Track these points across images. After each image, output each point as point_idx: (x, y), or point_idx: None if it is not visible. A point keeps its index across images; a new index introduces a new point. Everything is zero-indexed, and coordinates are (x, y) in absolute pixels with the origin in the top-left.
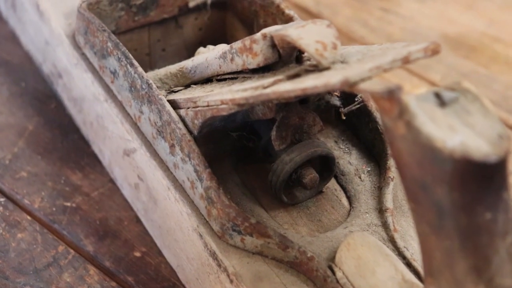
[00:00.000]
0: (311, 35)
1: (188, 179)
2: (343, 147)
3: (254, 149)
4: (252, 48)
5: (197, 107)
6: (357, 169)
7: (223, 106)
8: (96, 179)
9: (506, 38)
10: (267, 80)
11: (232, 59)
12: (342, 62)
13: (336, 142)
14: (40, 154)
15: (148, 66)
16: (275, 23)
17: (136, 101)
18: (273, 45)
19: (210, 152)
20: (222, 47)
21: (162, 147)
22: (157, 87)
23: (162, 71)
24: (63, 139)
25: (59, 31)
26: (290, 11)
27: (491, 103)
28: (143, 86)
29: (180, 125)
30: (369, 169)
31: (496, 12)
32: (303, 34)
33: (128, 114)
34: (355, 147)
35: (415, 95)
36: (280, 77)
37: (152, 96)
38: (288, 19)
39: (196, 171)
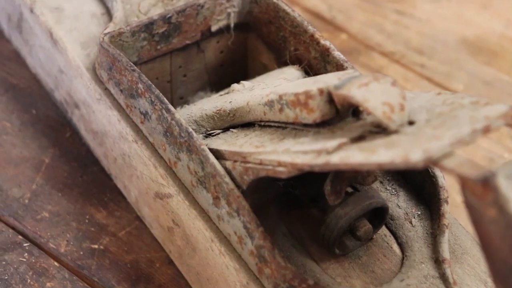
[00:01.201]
0: (376, 96)
1: (236, 233)
2: (390, 188)
3: (300, 195)
4: (308, 104)
5: (247, 162)
6: (406, 213)
7: (281, 169)
8: (122, 216)
9: None
10: (330, 143)
11: (281, 110)
12: (409, 122)
13: (381, 182)
14: (60, 190)
15: (169, 92)
16: (308, 53)
17: (172, 147)
18: (331, 101)
19: (255, 202)
20: (266, 93)
21: (204, 196)
22: (193, 129)
23: (196, 112)
24: (83, 172)
25: (77, 63)
26: (326, 42)
27: None
28: (182, 134)
29: (227, 179)
30: (419, 212)
31: None
32: (368, 95)
33: (162, 158)
34: (402, 188)
35: (504, 173)
36: (343, 140)
37: (193, 145)
38: (324, 50)
39: (245, 227)
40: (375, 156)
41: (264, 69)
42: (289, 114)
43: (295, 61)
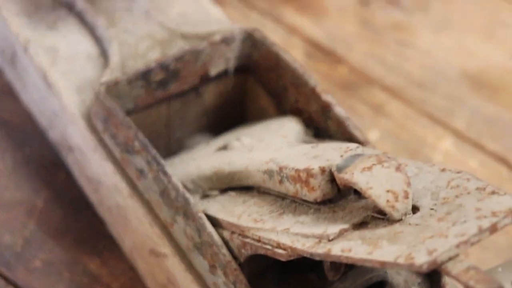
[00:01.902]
0: (380, 183)
1: None
2: None
3: (298, 262)
4: (309, 182)
5: (246, 237)
6: (406, 281)
7: (280, 251)
8: (116, 266)
9: None
10: (331, 228)
11: (281, 182)
12: (413, 208)
13: None
14: (53, 237)
15: (166, 136)
16: (309, 105)
17: (169, 208)
18: (333, 180)
19: (253, 269)
20: (265, 160)
21: (200, 262)
22: (189, 189)
23: (194, 171)
24: (76, 217)
25: (72, 110)
26: (327, 97)
27: None
28: (179, 199)
29: (224, 250)
30: (419, 280)
31: None
32: (371, 181)
33: (158, 217)
34: None
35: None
36: (345, 226)
37: (190, 212)
38: (325, 105)
39: None
40: (378, 252)
41: (263, 113)
42: (289, 188)
43: (296, 111)
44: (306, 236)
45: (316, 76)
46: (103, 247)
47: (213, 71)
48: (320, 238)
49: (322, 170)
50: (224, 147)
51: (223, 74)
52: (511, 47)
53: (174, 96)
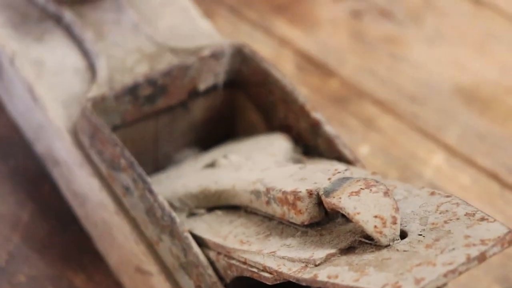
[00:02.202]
0: (368, 208)
1: None
2: None
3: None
4: (296, 205)
5: (232, 258)
6: None
7: (266, 274)
8: (101, 282)
9: None
10: (317, 253)
11: (268, 203)
12: (401, 233)
13: None
14: (38, 251)
15: (154, 151)
16: (298, 122)
17: (155, 227)
18: (320, 203)
19: None
20: (252, 180)
21: (186, 282)
22: (176, 207)
23: (180, 190)
24: (62, 232)
25: (58, 125)
26: (316, 115)
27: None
28: (165, 218)
29: (210, 271)
30: None
31: (507, 57)
32: (359, 206)
33: (143, 234)
34: None
35: None
36: (332, 250)
37: (176, 231)
38: (314, 123)
39: None
40: (365, 279)
41: (252, 128)
42: (277, 210)
43: (285, 127)
44: (292, 260)
45: (307, 89)
46: (89, 262)
47: (202, 86)
48: (306, 263)
49: (310, 193)
50: (212, 164)
51: (212, 89)
52: (503, 62)
53: (162, 111)
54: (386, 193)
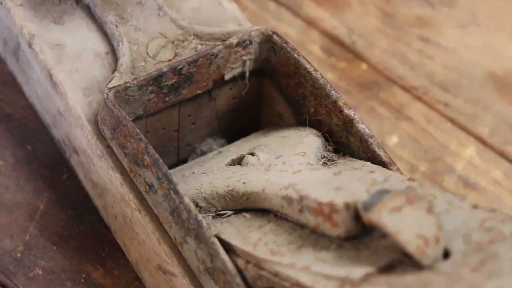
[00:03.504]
0: (410, 226)
1: None
2: None
3: None
4: (332, 218)
5: (262, 269)
6: None
7: None
8: (120, 276)
9: None
10: (355, 270)
11: (301, 211)
12: (444, 252)
13: None
14: (55, 243)
15: (176, 140)
16: (330, 118)
17: (179, 228)
18: (357, 216)
19: None
20: (284, 184)
21: (211, 286)
22: (201, 207)
23: (207, 189)
24: (80, 222)
25: (78, 113)
26: (349, 111)
27: None
28: (191, 221)
29: (238, 280)
30: None
31: None
32: (401, 225)
33: (167, 234)
34: None
35: None
36: (370, 269)
37: (202, 235)
38: (347, 120)
39: None
40: None
41: (279, 119)
42: (310, 219)
43: (315, 122)
44: (328, 277)
45: (334, 74)
46: (107, 255)
47: (228, 74)
48: (343, 281)
49: (347, 206)
50: (238, 160)
51: (238, 77)
52: None
53: (186, 100)
54: (429, 210)
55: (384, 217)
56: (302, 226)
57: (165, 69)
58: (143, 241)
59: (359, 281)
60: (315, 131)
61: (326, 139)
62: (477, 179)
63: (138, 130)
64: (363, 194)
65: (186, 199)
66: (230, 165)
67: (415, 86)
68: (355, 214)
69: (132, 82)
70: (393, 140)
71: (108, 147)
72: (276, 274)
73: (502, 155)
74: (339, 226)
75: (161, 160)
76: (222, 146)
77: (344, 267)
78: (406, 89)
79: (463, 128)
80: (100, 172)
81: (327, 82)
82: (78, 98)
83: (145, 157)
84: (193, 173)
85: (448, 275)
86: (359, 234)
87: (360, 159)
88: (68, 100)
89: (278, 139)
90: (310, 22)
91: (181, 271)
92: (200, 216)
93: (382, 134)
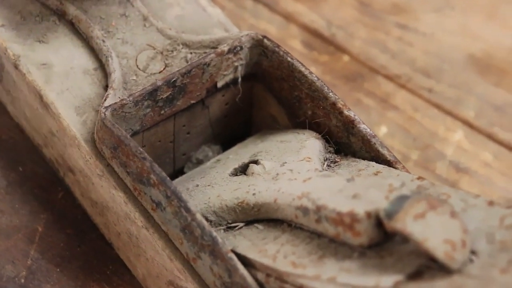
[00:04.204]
0: (436, 233)
1: None
2: None
3: None
4: (354, 227)
5: (284, 282)
6: None
7: None
8: None
9: None
10: (383, 280)
11: (318, 221)
12: (471, 253)
13: None
14: (58, 265)
15: (172, 151)
16: (329, 120)
17: (191, 244)
18: (379, 224)
19: None
20: (297, 194)
21: None
22: (211, 221)
23: (215, 202)
24: (80, 241)
25: (73, 133)
26: (350, 112)
27: None
28: (205, 238)
29: None
30: None
31: None
32: (427, 232)
33: (178, 250)
34: None
35: None
36: (399, 277)
37: (218, 252)
38: (347, 122)
39: None
40: None
41: (272, 121)
42: (329, 229)
43: (312, 124)
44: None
45: (317, 68)
46: (112, 273)
47: (221, 82)
48: None
49: (368, 215)
50: (241, 169)
51: (230, 83)
52: None
53: (180, 111)
54: (452, 214)
55: (409, 225)
56: (319, 235)
57: (159, 83)
58: (151, 257)
59: None
60: (314, 133)
61: (327, 141)
62: (468, 163)
63: (141, 149)
64: (383, 202)
65: (199, 216)
66: (233, 174)
67: (398, 74)
68: (377, 222)
69: (128, 99)
70: (382, 130)
71: (108, 166)
72: (301, 287)
73: (489, 136)
74: (361, 235)
75: (168, 178)
76: (217, 152)
77: (372, 277)
78: (389, 78)
79: (449, 113)
80: (100, 191)
81: (324, 84)
82: (71, 118)
83: (151, 175)
84: (197, 185)
85: (478, 278)
86: (381, 241)
87: (363, 159)
88: (61, 121)
89: (277, 144)
90: (288, 17)
91: (196, 286)
92: (214, 233)
93: (370, 125)
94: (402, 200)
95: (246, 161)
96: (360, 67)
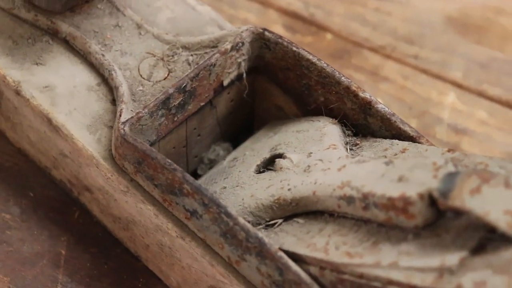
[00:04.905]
0: (495, 205)
1: None
2: None
3: None
4: (407, 210)
5: (343, 273)
6: None
7: None
8: None
9: (507, 8)
10: (448, 257)
11: (365, 208)
12: None
13: None
14: (88, 285)
15: (185, 155)
16: (343, 104)
17: (234, 247)
18: (432, 203)
19: None
20: (337, 184)
21: None
22: (249, 222)
23: (251, 203)
24: (106, 258)
25: (90, 153)
26: (365, 94)
27: None
28: (251, 240)
29: (316, 287)
30: None
31: None
32: (486, 205)
33: (218, 254)
34: None
35: None
36: (462, 253)
37: (267, 252)
38: (364, 103)
39: None
40: None
41: (279, 111)
42: (378, 215)
43: (325, 110)
44: (421, 270)
45: None
46: (144, 285)
47: (226, 80)
48: (440, 271)
49: (421, 197)
50: (263, 165)
51: (235, 80)
52: None
53: (191, 115)
54: (506, 184)
55: (467, 201)
56: (365, 221)
57: (171, 90)
58: (188, 265)
59: (457, 267)
60: (330, 119)
61: (343, 125)
62: (465, 123)
63: (170, 160)
64: (433, 181)
65: (241, 220)
66: (257, 172)
67: (382, 45)
68: (430, 201)
69: (144, 111)
70: None
71: (132, 181)
72: (361, 276)
73: (480, 94)
74: (415, 217)
75: (203, 186)
76: (227, 150)
77: (434, 256)
78: (374, 50)
79: (438, 77)
80: (124, 206)
81: (335, 69)
82: (85, 138)
83: (184, 185)
84: (225, 188)
85: None
86: (435, 219)
87: (384, 138)
88: (76, 142)
89: (295, 135)
90: (265, 3)
91: None
92: (260, 234)
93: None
94: (452, 177)
95: (267, 156)
96: (344, 43)
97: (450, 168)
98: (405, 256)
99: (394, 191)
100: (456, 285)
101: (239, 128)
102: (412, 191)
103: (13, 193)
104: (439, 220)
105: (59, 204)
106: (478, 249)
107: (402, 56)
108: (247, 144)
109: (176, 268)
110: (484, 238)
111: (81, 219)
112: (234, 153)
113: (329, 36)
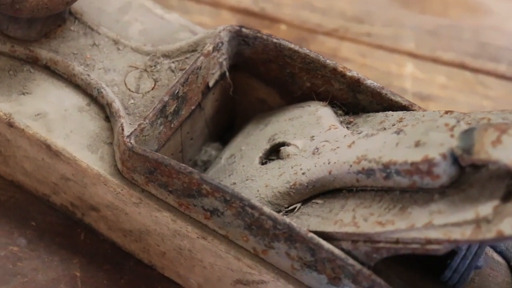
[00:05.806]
0: None
1: None
2: None
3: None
4: (432, 172)
5: (376, 242)
6: None
7: (435, 246)
8: None
9: None
10: (481, 208)
11: (386, 178)
12: None
13: None
14: None
15: (181, 160)
16: (330, 85)
17: (260, 237)
18: (454, 161)
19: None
20: (352, 159)
21: (314, 277)
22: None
23: (267, 193)
24: (121, 273)
25: (95, 172)
26: (353, 73)
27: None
28: (279, 227)
29: (351, 261)
30: None
31: None
32: (510, 152)
33: (242, 248)
34: None
35: None
36: (493, 202)
37: (297, 235)
38: (352, 82)
39: None
40: None
41: (262, 104)
42: (401, 182)
43: (310, 95)
44: (458, 224)
45: None
46: None
47: (211, 81)
48: (477, 222)
49: (444, 157)
50: (266, 155)
51: (219, 80)
52: None
53: (184, 119)
54: None
55: (492, 152)
56: (386, 190)
57: (166, 98)
58: (210, 264)
59: (492, 216)
60: (320, 102)
61: (333, 106)
62: (428, 90)
63: (184, 164)
64: (451, 140)
65: (267, 209)
66: (262, 163)
67: (335, 28)
68: (453, 159)
69: (145, 122)
70: None
71: (143, 191)
72: (397, 242)
73: (436, 61)
74: (441, 177)
75: (222, 183)
76: (218, 149)
77: (467, 210)
78: (329, 34)
79: (393, 50)
80: (137, 218)
81: (318, 54)
82: (88, 158)
83: (203, 186)
84: (234, 183)
85: None
86: (458, 176)
87: (375, 112)
88: (79, 163)
89: (289, 123)
90: (216, 4)
91: (273, 275)
92: (287, 219)
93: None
94: (470, 133)
95: (267, 147)
96: (299, 32)
97: (463, 126)
98: (437, 214)
99: (415, 156)
100: (496, 231)
101: (224, 126)
102: (433, 153)
103: (15, 225)
104: (461, 177)
105: (63, 228)
106: (508, 196)
107: (356, 36)
108: (239, 139)
109: (196, 270)
110: (511, 185)
111: (88, 239)
112: (228, 151)
113: (283, 26)
